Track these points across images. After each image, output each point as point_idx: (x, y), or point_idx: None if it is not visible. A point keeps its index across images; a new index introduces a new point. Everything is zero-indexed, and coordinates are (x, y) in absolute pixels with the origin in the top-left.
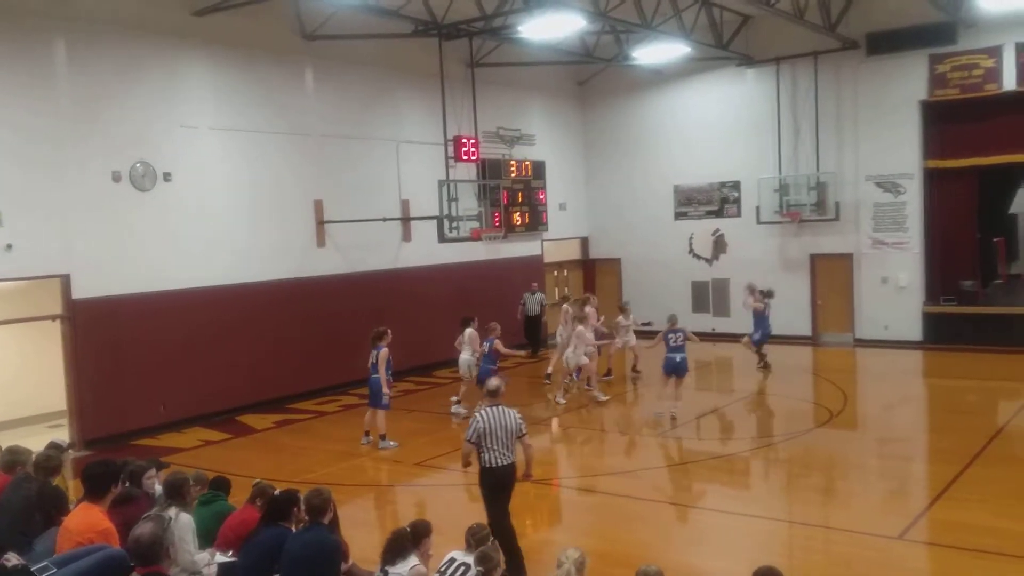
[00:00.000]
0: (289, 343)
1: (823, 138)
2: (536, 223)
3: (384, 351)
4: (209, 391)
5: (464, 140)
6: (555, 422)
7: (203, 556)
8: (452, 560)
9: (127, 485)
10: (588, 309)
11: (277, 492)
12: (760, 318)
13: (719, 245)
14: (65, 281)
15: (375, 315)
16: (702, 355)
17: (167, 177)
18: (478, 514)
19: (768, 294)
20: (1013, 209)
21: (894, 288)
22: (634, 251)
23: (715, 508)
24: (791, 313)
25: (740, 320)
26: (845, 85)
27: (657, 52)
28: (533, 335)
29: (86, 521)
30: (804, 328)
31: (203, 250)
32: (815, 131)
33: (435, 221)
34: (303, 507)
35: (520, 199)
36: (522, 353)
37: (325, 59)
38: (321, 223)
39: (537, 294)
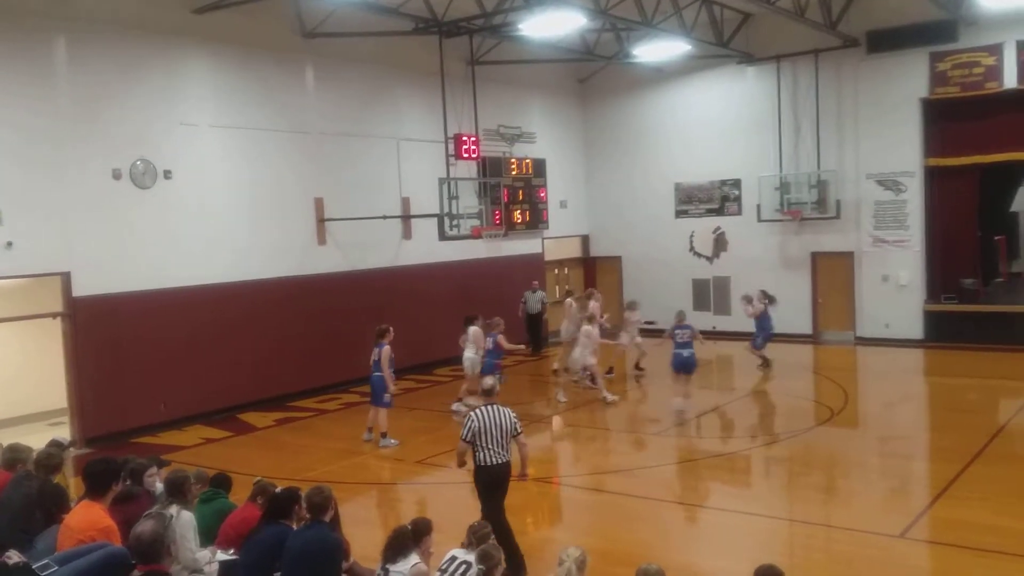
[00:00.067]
0: (290, 341)
1: (824, 136)
2: (537, 221)
3: (386, 349)
4: (210, 389)
5: (464, 138)
6: (556, 420)
7: (204, 554)
8: (453, 558)
9: (128, 483)
10: (592, 304)
11: (278, 490)
12: (762, 320)
13: (720, 243)
14: (66, 279)
15: (376, 313)
16: (703, 353)
17: (167, 175)
18: (479, 512)
19: (771, 300)
20: (1014, 207)
21: (895, 286)
22: (635, 249)
23: (716, 507)
24: (792, 311)
25: (741, 318)
26: (846, 83)
27: (658, 50)
28: (535, 333)
29: (87, 519)
30: (805, 326)
31: (204, 248)
32: (816, 129)
33: (436, 219)
34: (304, 505)
35: (521, 197)
36: (523, 346)
37: (325, 57)
38: (322, 221)
39: (538, 292)
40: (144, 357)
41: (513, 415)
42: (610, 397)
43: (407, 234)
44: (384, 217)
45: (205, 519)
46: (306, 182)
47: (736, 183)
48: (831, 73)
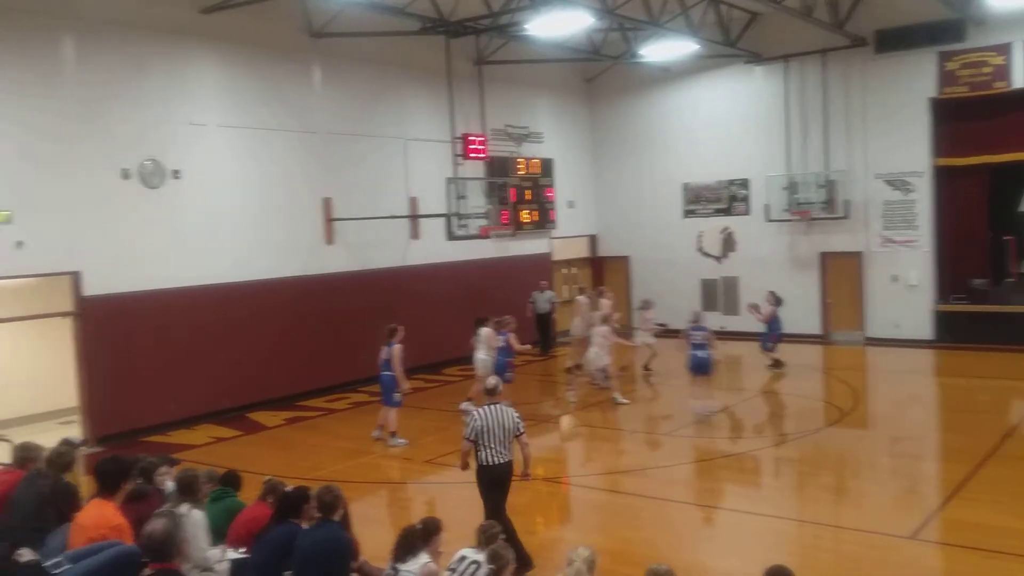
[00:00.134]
0: (298, 340)
1: (832, 136)
2: (544, 221)
3: (397, 348)
4: (219, 388)
5: (472, 138)
6: (566, 419)
7: (215, 552)
8: (463, 558)
9: (139, 482)
10: (604, 302)
11: (288, 489)
12: (772, 321)
13: (728, 243)
14: (75, 278)
15: (383, 313)
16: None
17: (176, 175)
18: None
19: (778, 301)
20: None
21: (904, 286)
22: (643, 249)
23: (725, 507)
24: (801, 312)
25: (750, 318)
26: (854, 83)
27: (665, 49)
28: (544, 333)
29: (99, 517)
30: (814, 327)
31: (213, 247)
32: (824, 129)
33: (443, 219)
34: (314, 504)
35: (528, 197)
36: (529, 347)
37: (332, 57)
38: (329, 220)
39: (546, 292)
40: (154, 356)
41: (516, 415)
42: (621, 399)
43: (415, 234)
44: (392, 217)
45: (215, 518)
46: (314, 182)
47: (744, 183)
48: (839, 73)
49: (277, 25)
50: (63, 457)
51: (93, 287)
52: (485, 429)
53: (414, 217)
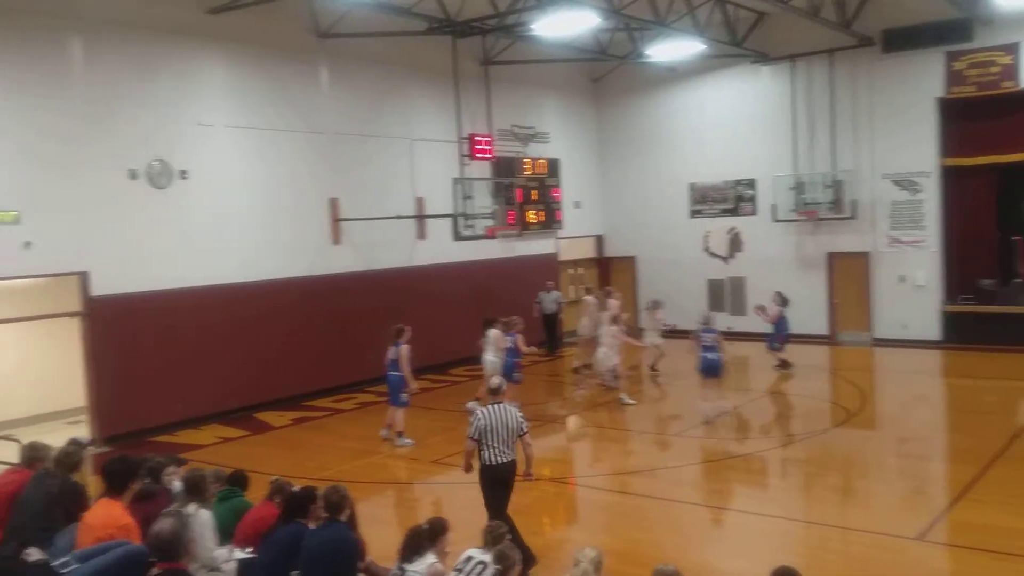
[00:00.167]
0: (305, 340)
1: (839, 136)
2: (551, 221)
3: (404, 347)
4: (226, 388)
5: (478, 138)
6: (572, 420)
7: (222, 552)
8: (469, 558)
9: (147, 481)
10: (612, 302)
11: (295, 489)
12: (779, 322)
13: (735, 243)
14: (83, 278)
15: (390, 313)
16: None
17: (183, 175)
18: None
19: (785, 301)
20: None
21: (912, 287)
22: (649, 249)
23: (732, 508)
24: (808, 312)
25: (757, 318)
26: (861, 82)
27: (671, 49)
28: (550, 333)
29: (106, 517)
30: (821, 327)
31: (220, 247)
32: (831, 129)
33: (450, 219)
34: (321, 504)
35: (534, 197)
36: (535, 349)
37: (339, 57)
38: (336, 221)
39: (553, 292)
40: (161, 356)
41: (519, 414)
42: (627, 399)
43: (421, 234)
44: (398, 217)
45: (222, 518)
46: (321, 182)
47: (751, 183)
48: (846, 72)
49: (284, 25)
50: (71, 457)
51: (101, 287)
52: (489, 428)
53: (420, 217)
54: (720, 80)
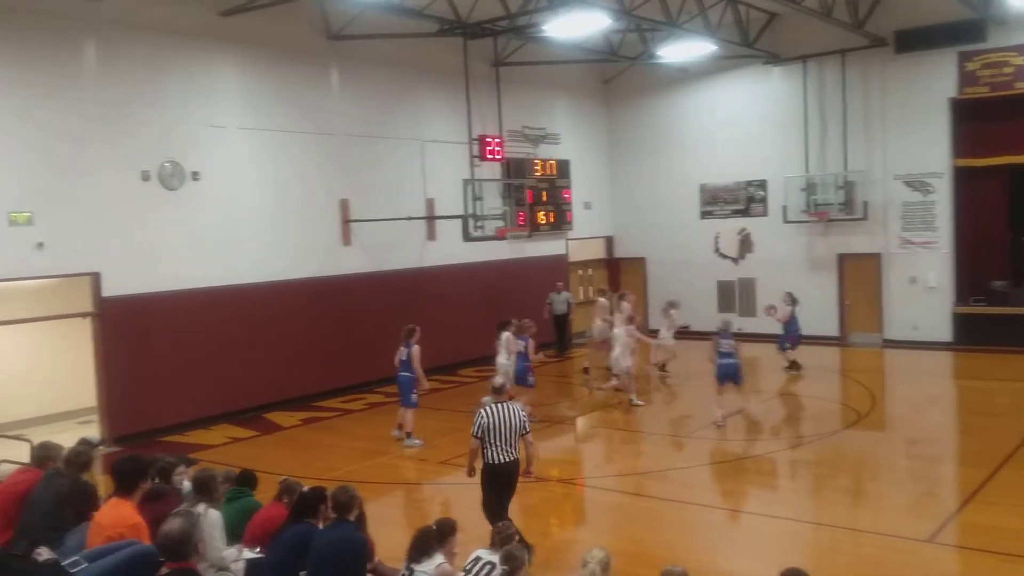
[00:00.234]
0: (315, 341)
1: (851, 137)
2: (561, 222)
3: (415, 348)
4: (236, 388)
5: (489, 139)
6: (581, 420)
7: (231, 552)
8: (477, 559)
9: (156, 481)
10: (625, 304)
11: (304, 489)
12: (789, 323)
13: (745, 244)
14: (95, 279)
15: (400, 314)
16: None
17: (195, 176)
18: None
19: (795, 302)
20: None
21: (923, 288)
22: (659, 250)
23: (741, 509)
24: (819, 313)
25: (767, 320)
26: (873, 83)
27: (682, 50)
28: (561, 334)
29: (116, 516)
30: (832, 328)
31: (231, 248)
32: (843, 130)
33: (460, 220)
34: (330, 504)
35: (545, 198)
36: (542, 355)
37: (350, 59)
38: (347, 222)
39: (563, 293)
40: (172, 357)
41: (522, 414)
42: (637, 400)
43: (431, 235)
44: (409, 218)
45: (231, 518)
46: (331, 183)
47: (762, 184)
48: (858, 73)
49: (296, 28)
50: (81, 456)
51: (112, 288)
52: (491, 427)
53: (431, 218)
54: (731, 81)
